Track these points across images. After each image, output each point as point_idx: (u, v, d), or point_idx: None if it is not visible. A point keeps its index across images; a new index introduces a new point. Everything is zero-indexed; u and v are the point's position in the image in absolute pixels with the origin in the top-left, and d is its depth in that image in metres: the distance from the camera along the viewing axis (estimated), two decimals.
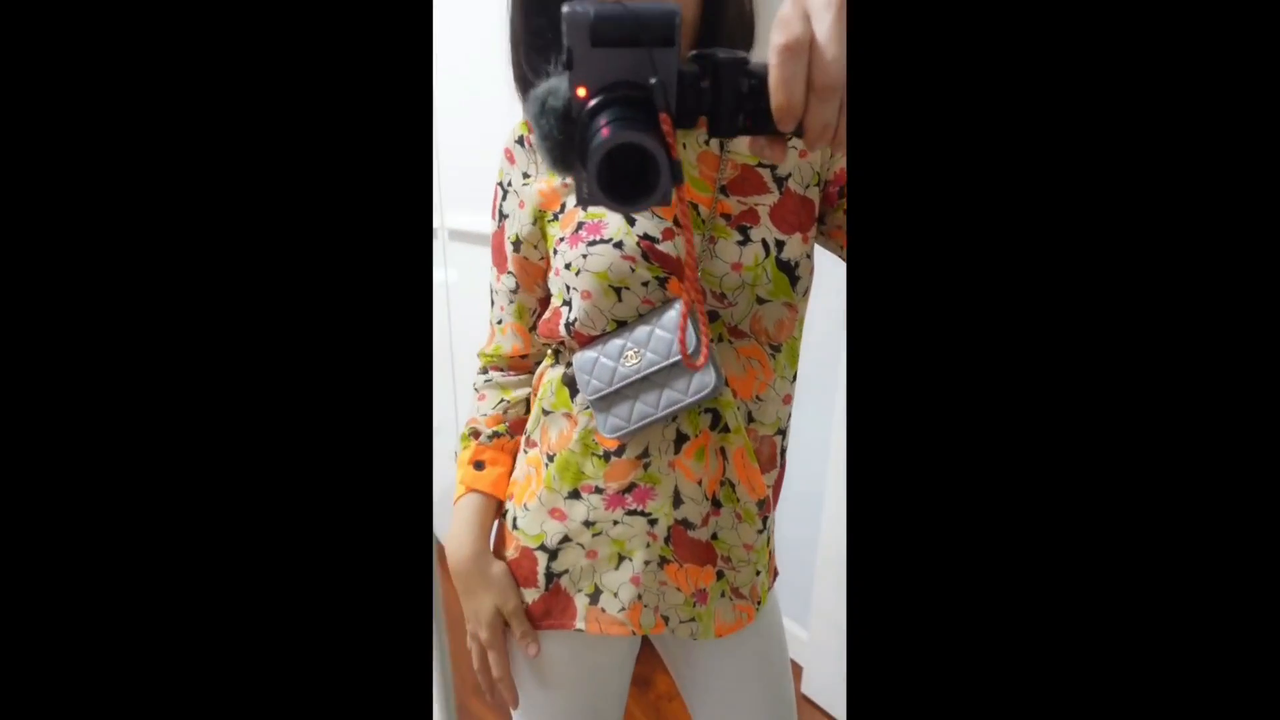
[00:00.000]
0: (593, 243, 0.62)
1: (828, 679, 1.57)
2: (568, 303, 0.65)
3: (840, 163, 0.66)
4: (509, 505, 0.73)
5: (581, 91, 0.35)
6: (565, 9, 0.34)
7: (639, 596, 0.70)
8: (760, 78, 0.36)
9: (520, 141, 0.70)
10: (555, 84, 0.37)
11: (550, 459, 0.69)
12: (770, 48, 0.34)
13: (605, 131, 0.34)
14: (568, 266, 0.63)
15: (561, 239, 0.65)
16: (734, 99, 0.37)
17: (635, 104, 0.35)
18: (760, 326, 0.65)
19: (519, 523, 0.71)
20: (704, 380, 0.60)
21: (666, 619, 0.71)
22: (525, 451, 0.72)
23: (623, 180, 0.35)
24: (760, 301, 0.64)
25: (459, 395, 1.90)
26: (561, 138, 0.37)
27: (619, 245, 0.61)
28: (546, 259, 0.70)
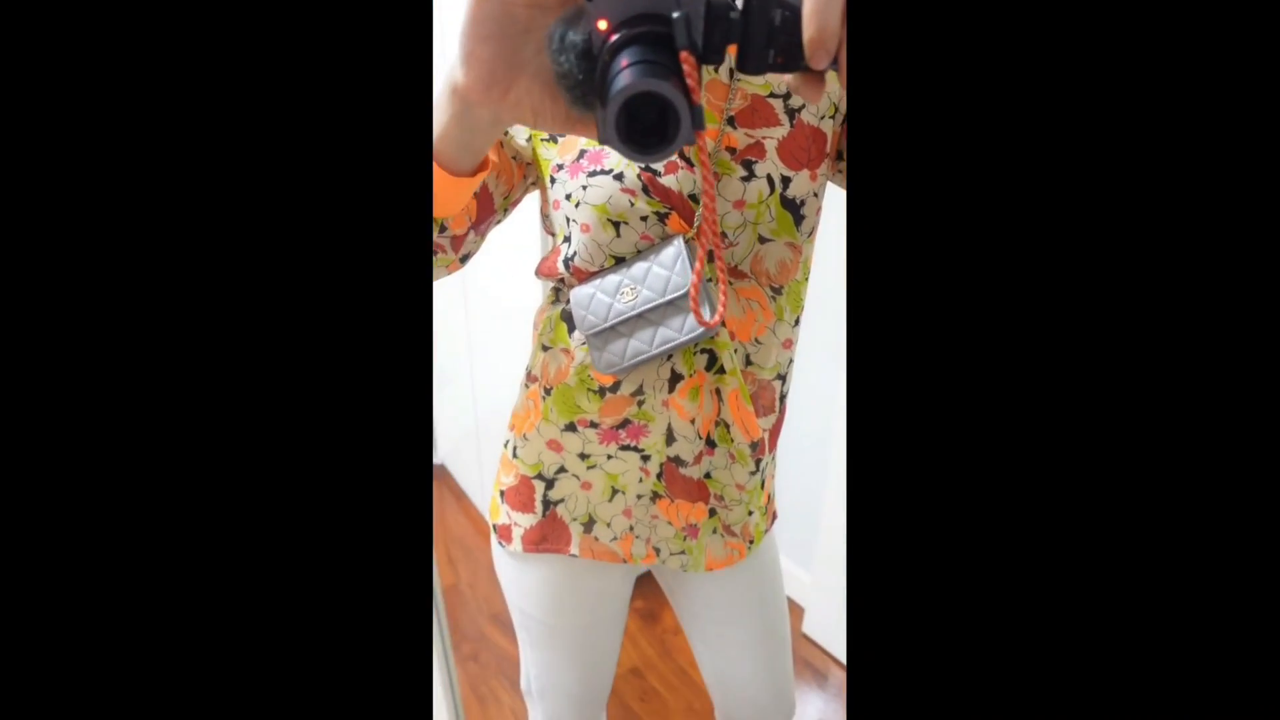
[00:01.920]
0: (593, 173, 0.61)
1: (828, 619, 1.61)
2: (567, 238, 0.65)
3: None
4: (509, 435, 0.75)
5: (603, 25, 0.33)
6: None
7: (631, 528, 0.72)
8: (794, 8, 0.33)
9: None
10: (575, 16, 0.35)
11: (548, 392, 0.70)
12: None
13: (625, 76, 0.32)
14: (568, 198, 0.63)
15: (560, 166, 0.63)
16: (765, 32, 0.34)
17: (657, 42, 0.33)
18: (761, 267, 0.64)
19: (518, 452, 0.73)
20: None
21: (658, 550, 0.73)
22: (526, 386, 0.73)
23: (642, 128, 0.33)
24: (762, 241, 0.63)
25: (476, 390, 1.92)
26: (583, 77, 0.35)
27: (619, 177, 0.60)
28: (522, 169, 0.64)
